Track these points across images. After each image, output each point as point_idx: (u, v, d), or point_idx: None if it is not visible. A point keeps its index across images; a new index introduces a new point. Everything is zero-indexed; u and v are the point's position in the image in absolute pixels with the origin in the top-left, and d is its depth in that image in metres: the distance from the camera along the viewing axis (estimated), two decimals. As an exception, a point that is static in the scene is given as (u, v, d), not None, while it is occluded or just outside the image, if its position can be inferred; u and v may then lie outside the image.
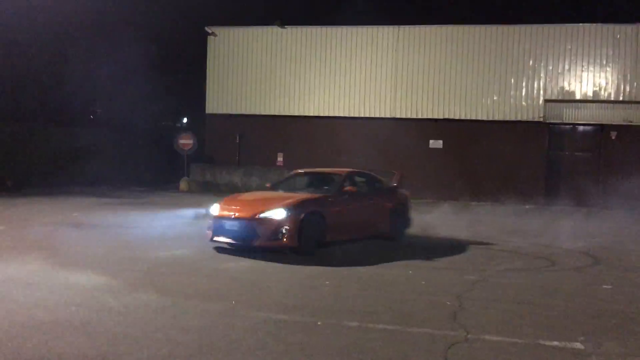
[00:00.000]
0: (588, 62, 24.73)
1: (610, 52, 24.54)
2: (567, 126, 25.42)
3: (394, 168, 16.29)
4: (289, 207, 10.42)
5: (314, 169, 14.40)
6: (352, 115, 26.58)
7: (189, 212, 16.52)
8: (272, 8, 37.13)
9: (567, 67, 24.94)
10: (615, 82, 24.54)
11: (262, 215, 10.37)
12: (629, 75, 24.42)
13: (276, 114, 27.35)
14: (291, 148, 26.85)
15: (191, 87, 33.82)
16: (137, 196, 22.41)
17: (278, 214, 10.33)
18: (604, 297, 8.07)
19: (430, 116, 25.87)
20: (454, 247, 12.13)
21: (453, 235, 13.89)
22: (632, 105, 24.54)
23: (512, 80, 25.29)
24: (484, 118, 25.40)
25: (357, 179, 12.73)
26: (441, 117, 25.75)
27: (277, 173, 24.33)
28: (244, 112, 27.75)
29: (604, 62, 24.63)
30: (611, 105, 24.75)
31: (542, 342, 5.94)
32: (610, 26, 24.65)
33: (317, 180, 12.73)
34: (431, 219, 16.65)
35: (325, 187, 12.13)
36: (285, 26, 27.42)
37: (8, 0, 24.17)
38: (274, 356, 5.35)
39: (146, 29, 31.42)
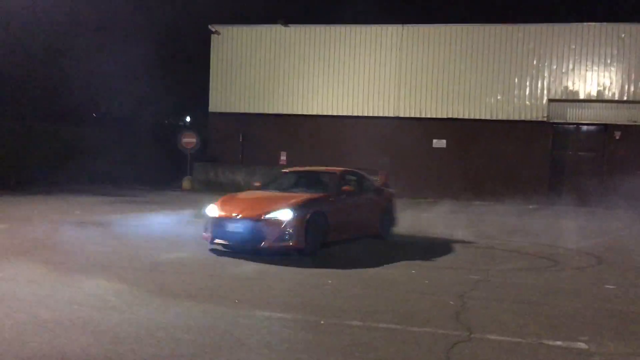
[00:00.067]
0: (592, 62, 24.68)
1: (615, 52, 24.48)
2: (571, 126, 25.37)
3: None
4: (294, 207, 10.14)
5: (304, 167, 14.28)
6: (355, 114, 26.57)
7: (191, 211, 16.52)
8: (275, 7, 37.24)
9: (571, 66, 24.88)
10: (620, 81, 24.48)
11: (267, 215, 10.00)
12: (633, 75, 24.36)
13: (279, 112, 27.36)
14: (294, 147, 26.85)
15: (194, 85, 33.87)
16: (140, 195, 22.46)
17: (284, 214, 9.99)
18: (607, 297, 8.05)
19: (433, 115, 25.86)
20: (456, 246, 12.11)
21: (456, 234, 13.87)
22: (636, 105, 24.48)
23: (516, 80, 25.24)
24: (488, 117, 25.38)
25: (349, 177, 12.60)
26: (445, 116, 25.73)
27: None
28: (247, 110, 27.76)
29: (608, 62, 24.56)
30: (615, 105, 24.69)
31: (545, 341, 5.92)
32: (615, 25, 24.59)
33: (308, 180, 12.44)
34: (433, 218, 16.64)
35: (320, 187, 11.88)
36: (289, 25, 27.41)
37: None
38: (278, 355, 5.35)
39: (150, 28, 31.43)
